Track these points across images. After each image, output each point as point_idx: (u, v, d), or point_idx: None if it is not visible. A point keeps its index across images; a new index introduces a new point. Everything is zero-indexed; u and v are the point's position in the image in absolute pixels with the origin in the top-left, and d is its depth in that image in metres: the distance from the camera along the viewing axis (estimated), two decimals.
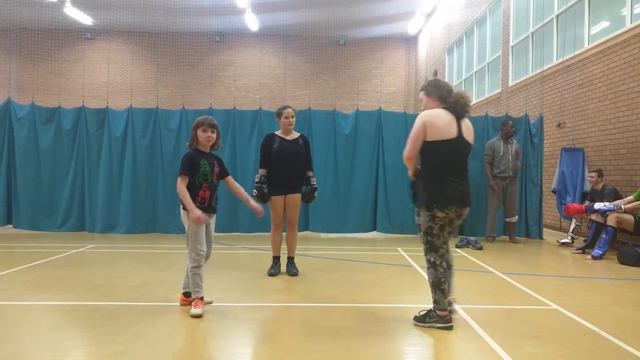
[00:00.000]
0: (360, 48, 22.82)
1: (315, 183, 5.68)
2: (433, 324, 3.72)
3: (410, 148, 3.75)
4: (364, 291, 4.89)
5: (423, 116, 3.71)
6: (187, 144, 4.16)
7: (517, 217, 8.73)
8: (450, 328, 3.69)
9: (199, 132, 4.08)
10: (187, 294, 4.20)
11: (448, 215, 3.70)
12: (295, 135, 5.68)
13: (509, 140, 8.60)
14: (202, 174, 4.04)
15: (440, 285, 3.70)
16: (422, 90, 3.97)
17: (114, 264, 6.25)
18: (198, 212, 3.92)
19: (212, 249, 4.29)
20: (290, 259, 5.72)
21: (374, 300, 4.60)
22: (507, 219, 8.76)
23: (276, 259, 5.72)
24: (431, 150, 3.69)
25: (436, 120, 3.66)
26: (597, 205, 7.22)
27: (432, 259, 3.74)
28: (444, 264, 3.76)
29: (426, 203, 3.69)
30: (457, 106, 3.70)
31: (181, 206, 4.06)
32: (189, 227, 4.04)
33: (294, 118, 5.60)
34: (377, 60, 23.27)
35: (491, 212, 8.70)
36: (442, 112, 3.71)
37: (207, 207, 4.09)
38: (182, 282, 4.29)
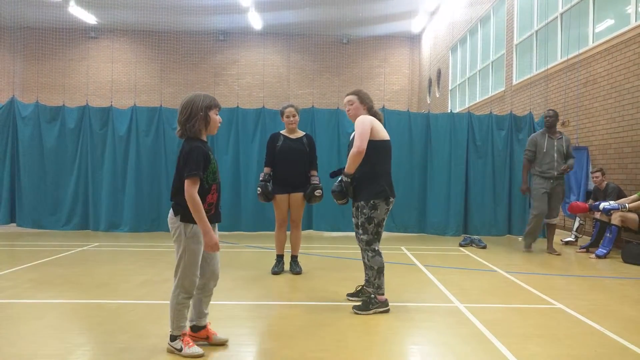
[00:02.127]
0: (364, 46, 22.80)
1: (317, 182, 5.60)
2: (376, 309, 4.05)
3: (361, 145, 4.00)
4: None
5: (368, 118, 4.10)
6: (180, 131, 3.08)
7: (557, 218, 7.50)
8: (388, 311, 4.09)
9: (213, 115, 3.11)
10: (195, 328, 3.28)
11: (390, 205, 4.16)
12: (300, 134, 5.69)
13: (556, 135, 7.30)
14: (212, 171, 3.07)
15: (383, 271, 4.12)
16: (355, 95, 4.29)
17: (117, 262, 6.27)
18: (216, 238, 2.99)
19: (219, 265, 3.32)
20: (294, 258, 5.73)
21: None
22: (547, 220, 7.46)
23: (280, 258, 5.73)
24: (378, 149, 4.08)
25: (378, 125, 4.14)
26: (602, 204, 7.19)
27: (376, 248, 4.13)
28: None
29: (385, 197, 4.05)
30: (377, 117, 4.24)
31: (171, 210, 3.06)
32: (186, 246, 3.01)
33: (296, 117, 5.60)
34: (381, 58, 23.24)
35: (534, 218, 7.31)
36: (374, 119, 4.16)
37: (214, 215, 3.18)
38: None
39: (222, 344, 3.30)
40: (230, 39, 22.84)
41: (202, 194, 3.01)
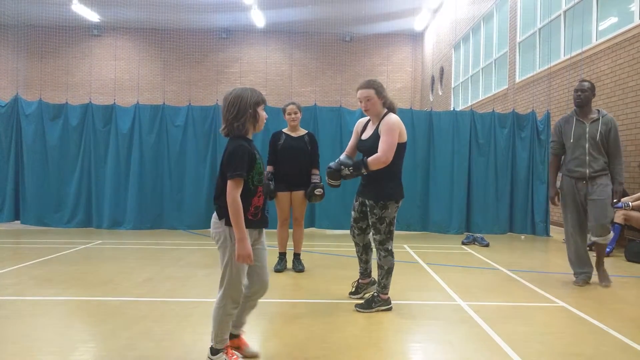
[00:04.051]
0: (367, 44, 22.76)
1: (318, 180, 5.57)
2: (379, 307, 4.07)
3: (389, 156, 3.94)
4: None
5: (397, 122, 4.01)
6: (227, 129, 2.82)
7: (608, 235, 5.23)
8: (391, 309, 4.11)
9: (260, 111, 2.84)
10: (229, 336, 2.96)
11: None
12: (302, 132, 5.71)
13: (590, 117, 5.09)
14: (258, 172, 2.79)
15: (392, 272, 4.13)
16: (371, 88, 4.09)
17: (120, 259, 6.28)
18: (250, 249, 2.70)
19: (268, 274, 3.01)
20: (296, 255, 5.74)
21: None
22: (593, 238, 5.21)
23: (282, 255, 5.74)
24: (399, 151, 4.02)
25: (402, 127, 4.06)
26: None
27: (390, 248, 4.10)
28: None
29: (397, 197, 4.06)
30: (393, 107, 4.13)
31: (215, 214, 2.82)
32: (233, 253, 2.72)
33: (297, 114, 5.61)
34: (384, 56, 23.20)
35: (567, 239, 5.36)
36: (400, 121, 4.06)
37: (261, 220, 2.88)
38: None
39: (254, 357, 3.05)
40: (232, 36, 22.83)
41: (248, 196, 2.74)
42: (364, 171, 3.95)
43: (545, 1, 11.67)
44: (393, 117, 4.00)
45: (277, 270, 5.59)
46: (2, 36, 19.97)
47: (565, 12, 10.73)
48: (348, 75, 22.89)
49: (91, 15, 20.15)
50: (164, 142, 9.43)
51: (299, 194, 5.58)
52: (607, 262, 6.62)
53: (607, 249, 6.96)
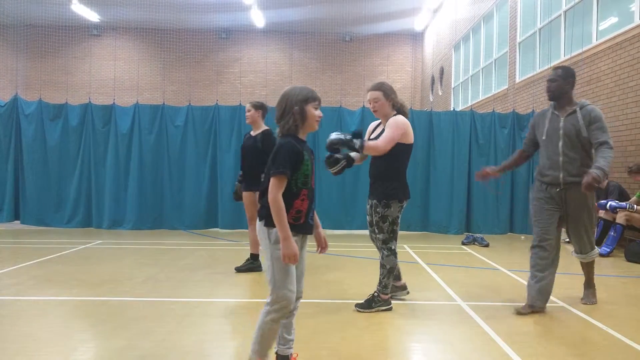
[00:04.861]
0: (366, 44, 22.75)
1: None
2: (379, 307, 4.06)
3: (389, 145, 4.00)
4: (371, 288, 4.88)
5: (403, 122, 4.09)
6: (278, 129, 2.68)
7: (593, 253, 4.39)
8: (391, 309, 4.09)
9: (310, 109, 2.65)
10: (279, 358, 2.75)
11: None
12: (259, 130, 5.54)
13: (567, 110, 4.17)
14: (303, 174, 2.61)
15: (394, 271, 4.14)
16: (380, 90, 4.16)
17: (121, 259, 6.28)
18: (295, 248, 2.52)
19: (303, 283, 2.79)
20: (252, 256, 5.60)
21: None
22: (574, 255, 4.50)
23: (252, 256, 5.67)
24: (404, 151, 4.12)
25: (410, 128, 4.16)
26: (612, 202, 7.18)
27: (392, 247, 4.12)
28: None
29: (399, 196, 4.10)
30: (404, 110, 4.23)
31: (262, 220, 2.61)
32: (272, 254, 2.57)
33: (249, 112, 5.51)
34: (383, 56, 23.20)
35: (532, 253, 4.29)
36: (408, 122, 4.16)
37: (303, 226, 2.67)
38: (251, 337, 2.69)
39: None
40: (232, 36, 22.82)
41: (290, 198, 2.55)
42: (357, 146, 3.83)
43: (545, 1, 11.67)
44: (400, 117, 4.11)
45: (237, 270, 5.54)
46: (1, 36, 19.96)
47: (565, 12, 10.72)
48: (348, 76, 22.89)
49: (91, 15, 20.14)
50: (163, 142, 9.43)
51: (245, 195, 5.53)
52: (607, 263, 6.62)
53: (607, 249, 6.97)
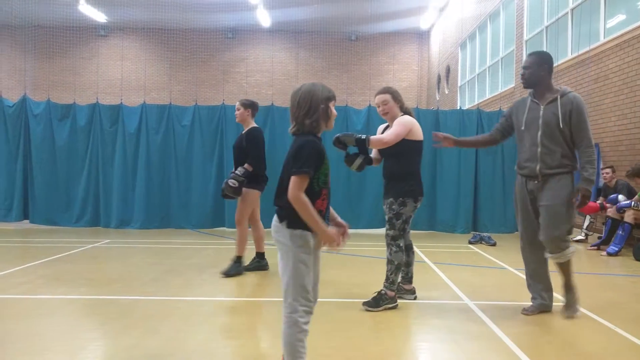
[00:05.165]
0: (372, 43, 22.72)
1: (237, 172, 5.24)
2: (386, 305, 4.08)
3: (394, 139, 4.06)
4: (377, 287, 4.88)
5: (410, 120, 4.18)
6: (297, 127, 2.54)
7: (566, 252, 3.92)
8: (397, 306, 4.13)
9: (332, 107, 2.59)
10: None
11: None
12: (247, 129, 5.50)
13: (547, 98, 3.97)
14: (324, 173, 2.52)
15: (401, 268, 4.20)
16: (389, 93, 4.28)
17: (128, 259, 6.32)
18: (332, 231, 2.51)
19: (318, 286, 2.66)
20: (236, 258, 5.47)
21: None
22: (547, 255, 4.04)
23: (258, 255, 5.64)
24: (416, 149, 4.20)
25: (418, 126, 4.23)
26: (621, 199, 7.15)
27: (401, 244, 4.18)
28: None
29: (415, 195, 4.14)
30: (410, 114, 4.32)
31: (284, 221, 2.48)
32: (296, 259, 2.46)
33: (238, 110, 5.47)
34: (389, 55, 23.15)
35: (521, 251, 4.25)
36: (415, 121, 4.25)
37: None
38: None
39: None
40: (238, 36, 22.87)
41: (311, 198, 2.44)
42: (364, 139, 3.83)
43: None
44: (407, 116, 4.22)
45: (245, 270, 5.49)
46: (10, 37, 20.11)
47: (572, 10, 10.66)
48: (354, 75, 22.87)
49: (98, 16, 20.25)
50: (170, 142, 9.48)
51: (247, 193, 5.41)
52: (615, 262, 6.58)
53: (615, 249, 6.92)
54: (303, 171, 2.40)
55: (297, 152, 2.45)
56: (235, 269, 5.32)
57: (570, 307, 3.98)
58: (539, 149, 3.88)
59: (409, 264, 4.46)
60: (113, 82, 22.41)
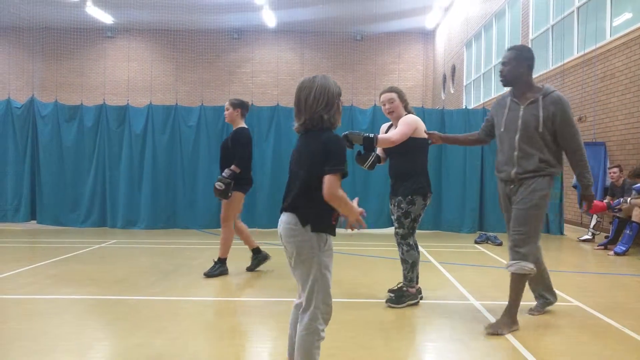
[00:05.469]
0: (378, 43, 22.71)
1: (224, 174, 5.10)
2: (409, 302, 4.16)
3: (401, 138, 4.08)
4: (383, 286, 4.89)
5: (415, 119, 4.20)
6: (311, 123, 2.40)
7: (523, 264, 3.59)
8: (417, 303, 4.22)
9: (341, 103, 2.50)
10: None
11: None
12: (234, 129, 5.42)
13: (528, 98, 3.68)
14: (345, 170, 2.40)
15: (417, 265, 4.24)
16: (395, 92, 4.30)
17: (135, 259, 6.35)
18: (357, 207, 2.42)
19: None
20: (254, 251, 5.53)
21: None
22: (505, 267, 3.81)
23: (255, 251, 5.61)
24: (422, 147, 4.22)
25: (422, 125, 4.25)
26: (627, 197, 7.12)
27: (411, 242, 4.22)
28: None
29: (423, 193, 4.16)
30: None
31: (294, 219, 2.38)
32: (322, 263, 2.40)
33: (227, 111, 5.39)
34: (395, 55, 23.13)
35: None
36: (420, 119, 4.27)
37: (336, 226, 2.49)
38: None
39: None
40: (244, 37, 22.93)
41: None
42: (372, 137, 3.80)
43: None
44: (411, 115, 4.25)
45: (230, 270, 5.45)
46: (18, 39, 20.27)
47: (578, 8, 10.61)
48: (359, 74, 22.87)
49: (105, 17, 20.38)
50: (176, 142, 9.51)
51: (236, 195, 5.31)
52: (623, 261, 6.54)
53: (623, 248, 6.88)
54: (339, 169, 2.31)
55: (326, 149, 2.33)
56: (219, 270, 5.29)
57: (497, 325, 3.54)
58: (516, 153, 3.62)
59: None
60: (119, 83, 22.53)
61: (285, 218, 2.40)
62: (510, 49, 3.77)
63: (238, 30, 22.61)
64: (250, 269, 5.55)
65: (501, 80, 3.78)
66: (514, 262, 3.60)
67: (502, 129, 3.73)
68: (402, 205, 4.16)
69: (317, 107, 2.38)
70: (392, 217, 4.35)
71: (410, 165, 4.18)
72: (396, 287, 4.26)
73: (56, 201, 9.43)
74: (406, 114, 4.26)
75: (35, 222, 9.51)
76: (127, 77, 22.40)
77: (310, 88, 2.41)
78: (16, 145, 9.51)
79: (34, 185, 9.53)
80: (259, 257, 5.62)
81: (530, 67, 3.70)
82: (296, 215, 2.37)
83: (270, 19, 20.54)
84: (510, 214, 3.73)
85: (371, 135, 3.79)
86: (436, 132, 4.22)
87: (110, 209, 9.43)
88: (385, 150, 4.31)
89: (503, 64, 3.73)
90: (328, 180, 2.29)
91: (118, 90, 22.20)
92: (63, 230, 8.99)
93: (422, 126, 4.20)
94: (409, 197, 4.13)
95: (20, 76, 21.42)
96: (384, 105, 4.29)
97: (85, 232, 8.87)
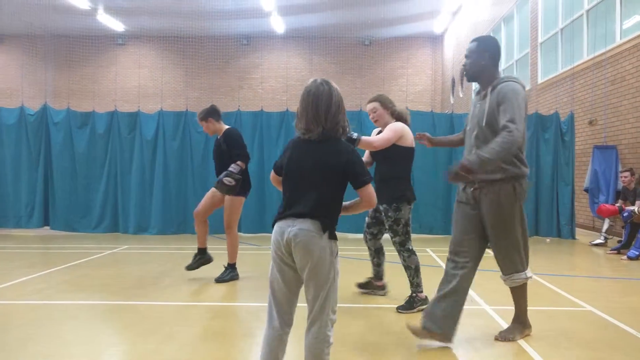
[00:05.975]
0: (386, 48, 22.71)
1: (232, 169, 5.12)
2: (419, 306, 4.14)
3: (384, 144, 4.14)
4: (395, 292, 4.87)
5: (401, 126, 4.23)
6: (336, 130, 2.38)
7: (518, 276, 3.53)
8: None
9: None
10: None
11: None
12: (220, 132, 5.45)
13: (484, 93, 3.41)
14: None
15: (420, 269, 4.24)
16: (376, 101, 4.37)
17: (146, 264, 6.40)
18: None
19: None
20: (228, 265, 5.44)
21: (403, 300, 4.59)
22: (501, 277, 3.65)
23: (200, 250, 5.54)
24: (407, 155, 4.26)
25: (408, 133, 4.29)
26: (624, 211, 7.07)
27: (410, 247, 4.25)
28: None
29: (408, 198, 4.20)
30: (403, 116, 4.40)
31: (326, 232, 2.34)
32: (337, 269, 2.42)
33: (203, 126, 5.45)
34: (403, 59, 23.12)
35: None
36: (406, 127, 4.30)
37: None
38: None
39: None
40: (253, 43, 23.05)
41: (341, 199, 2.49)
42: (354, 137, 3.84)
43: (566, 1, 11.50)
44: (398, 123, 4.30)
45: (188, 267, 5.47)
46: (31, 47, 20.53)
47: (587, 11, 10.55)
48: (368, 79, 22.88)
49: (116, 25, 20.61)
50: (187, 148, 9.59)
51: (238, 200, 5.37)
52: (636, 266, 6.47)
53: (636, 253, 6.81)
54: (371, 177, 2.46)
55: (352, 160, 2.35)
56: (230, 276, 5.33)
57: (508, 331, 3.51)
58: (474, 151, 3.27)
59: (379, 264, 4.66)
60: (130, 90, 22.72)
61: (303, 225, 2.31)
62: (473, 40, 3.45)
63: (247, 36, 22.74)
64: (191, 267, 5.44)
65: (465, 75, 3.49)
66: (506, 276, 3.52)
67: (468, 127, 3.50)
68: (389, 214, 4.20)
69: (338, 116, 2.37)
70: (366, 218, 4.53)
71: (393, 170, 4.24)
72: (407, 297, 4.27)
73: (69, 207, 9.53)
74: (395, 121, 4.33)
75: (48, 227, 9.61)
76: (138, 84, 22.60)
77: (329, 96, 2.38)
78: (29, 151, 9.63)
79: (47, 192, 9.64)
80: (204, 257, 5.51)
81: (493, 57, 3.36)
82: (320, 223, 2.33)
83: (278, 25, 20.64)
84: (462, 219, 3.50)
85: (354, 135, 3.86)
86: (427, 133, 3.94)
87: (122, 215, 9.51)
88: (371, 155, 4.41)
89: (465, 57, 3.42)
90: (368, 188, 2.39)
91: (129, 96, 22.38)
92: (75, 236, 9.08)
93: (408, 134, 4.27)
94: (394, 204, 4.18)
95: (33, 84, 21.68)
96: (369, 114, 4.43)
97: (97, 237, 8.94)
